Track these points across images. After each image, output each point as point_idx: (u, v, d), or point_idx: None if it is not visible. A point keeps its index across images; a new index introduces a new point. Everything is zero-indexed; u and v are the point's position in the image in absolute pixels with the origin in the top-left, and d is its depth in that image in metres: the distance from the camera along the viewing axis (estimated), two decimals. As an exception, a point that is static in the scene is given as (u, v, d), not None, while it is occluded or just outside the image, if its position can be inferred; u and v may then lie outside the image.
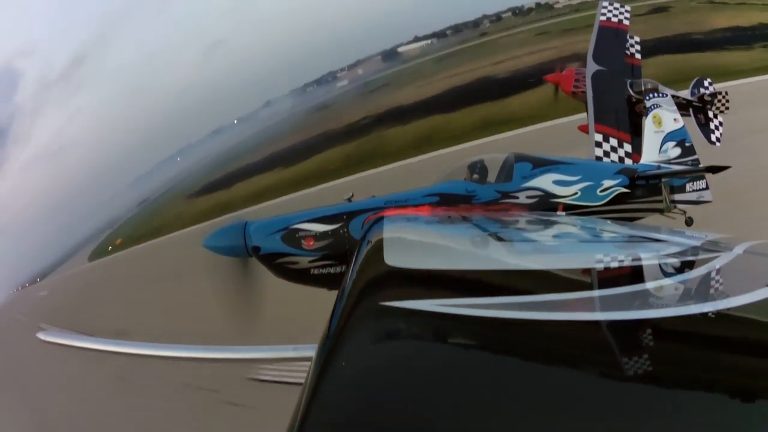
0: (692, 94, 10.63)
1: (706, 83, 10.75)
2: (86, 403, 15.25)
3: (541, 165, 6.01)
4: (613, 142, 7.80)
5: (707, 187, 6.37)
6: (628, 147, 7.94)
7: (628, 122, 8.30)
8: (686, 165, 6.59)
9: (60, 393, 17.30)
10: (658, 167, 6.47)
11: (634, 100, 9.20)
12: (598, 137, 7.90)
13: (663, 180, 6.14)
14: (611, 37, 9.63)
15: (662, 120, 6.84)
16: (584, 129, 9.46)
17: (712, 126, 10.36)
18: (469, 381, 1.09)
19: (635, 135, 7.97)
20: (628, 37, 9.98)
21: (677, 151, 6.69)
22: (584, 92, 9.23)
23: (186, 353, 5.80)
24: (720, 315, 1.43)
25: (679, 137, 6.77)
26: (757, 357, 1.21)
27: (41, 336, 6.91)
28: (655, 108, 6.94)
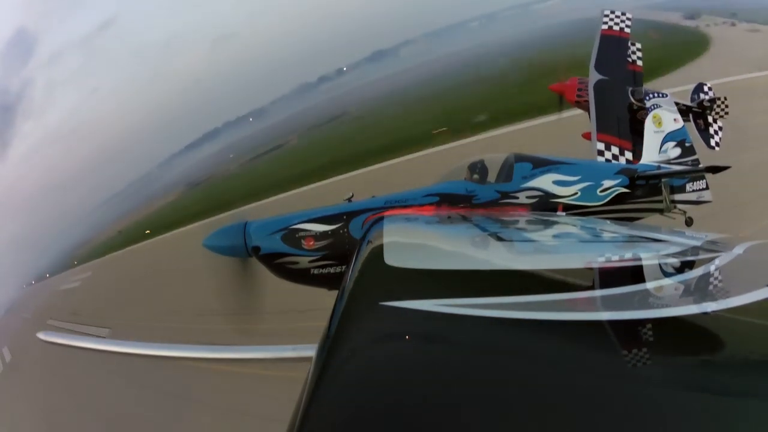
0: (692, 99, 10.71)
1: (705, 88, 10.81)
2: (91, 404, 15.26)
3: (541, 165, 6.01)
4: (615, 150, 7.96)
5: (707, 187, 6.37)
6: (629, 155, 8.12)
7: (629, 130, 8.38)
8: (686, 165, 6.60)
9: (68, 394, 17.29)
10: (658, 167, 6.47)
11: (635, 107, 9.27)
12: (600, 146, 8.08)
13: (663, 180, 6.14)
14: (613, 45, 9.71)
15: (662, 120, 6.84)
16: (587, 136, 9.52)
17: (711, 131, 10.47)
18: (468, 381, 1.09)
19: (636, 142, 8.07)
20: (629, 45, 10.03)
21: (677, 151, 6.69)
22: (587, 101, 9.36)
23: (186, 353, 5.81)
24: (720, 315, 1.44)
25: (679, 137, 6.77)
26: (757, 357, 1.21)
27: (41, 336, 6.91)
28: (655, 108, 6.94)
